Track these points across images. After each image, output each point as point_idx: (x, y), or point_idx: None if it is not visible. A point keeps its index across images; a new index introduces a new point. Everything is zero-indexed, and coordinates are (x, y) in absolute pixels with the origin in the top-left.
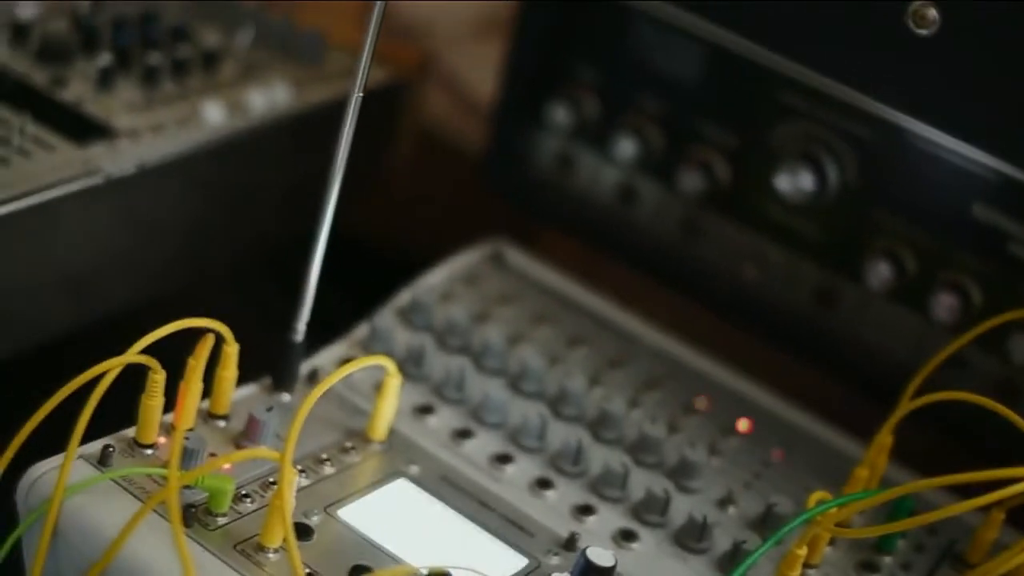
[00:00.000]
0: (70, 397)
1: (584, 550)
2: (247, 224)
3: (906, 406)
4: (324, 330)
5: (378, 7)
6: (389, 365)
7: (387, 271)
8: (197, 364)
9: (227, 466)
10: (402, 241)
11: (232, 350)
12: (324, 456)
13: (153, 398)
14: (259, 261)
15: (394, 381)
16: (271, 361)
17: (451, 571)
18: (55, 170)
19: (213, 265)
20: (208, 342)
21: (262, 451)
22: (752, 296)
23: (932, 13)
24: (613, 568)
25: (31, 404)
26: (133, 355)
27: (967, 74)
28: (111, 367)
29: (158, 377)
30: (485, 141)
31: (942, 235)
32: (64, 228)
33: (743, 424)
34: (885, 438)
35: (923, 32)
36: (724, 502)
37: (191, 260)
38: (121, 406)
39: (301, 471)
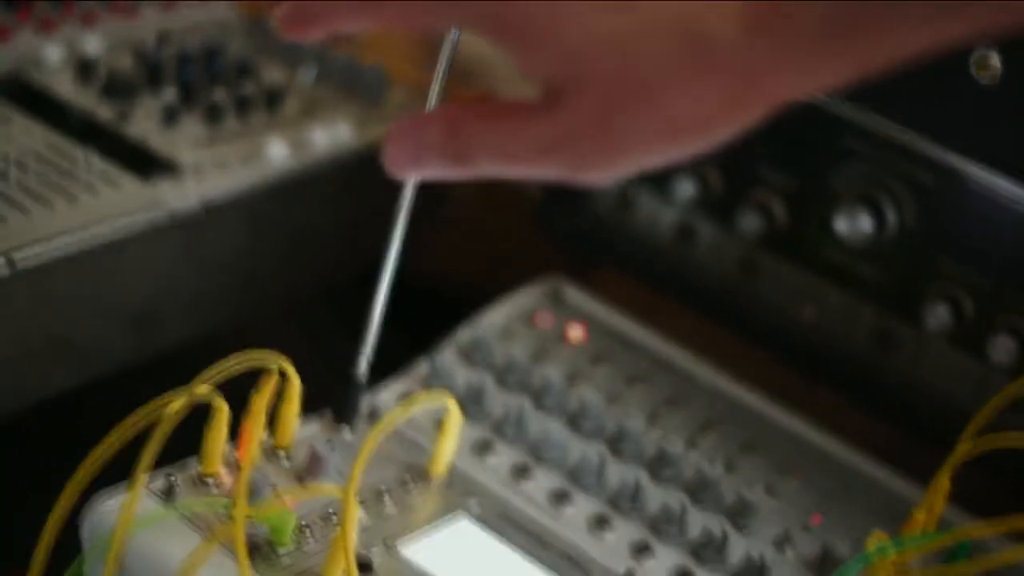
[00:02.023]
0: (130, 431)
1: None
2: (307, 262)
3: (965, 448)
4: (380, 367)
5: (451, 38)
6: (451, 403)
7: (443, 311)
8: (261, 398)
9: (290, 500)
10: (458, 281)
11: (295, 384)
12: (384, 491)
13: (217, 431)
14: (318, 299)
15: (455, 419)
16: (331, 397)
17: None
18: (120, 205)
19: (273, 302)
20: (273, 378)
21: (326, 488)
22: (810, 338)
23: (994, 61)
24: None
25: (93, 438)
26: (198, 387)
27: None
28: (176, 400)
29: (222, 410)
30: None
31: (1000, 279)
32: (128, 263)
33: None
34: (944, 480)
35: (985, 79)
36: (781, 542)
37: (252, 297)
38: (181, 440)
39: (361, 504)
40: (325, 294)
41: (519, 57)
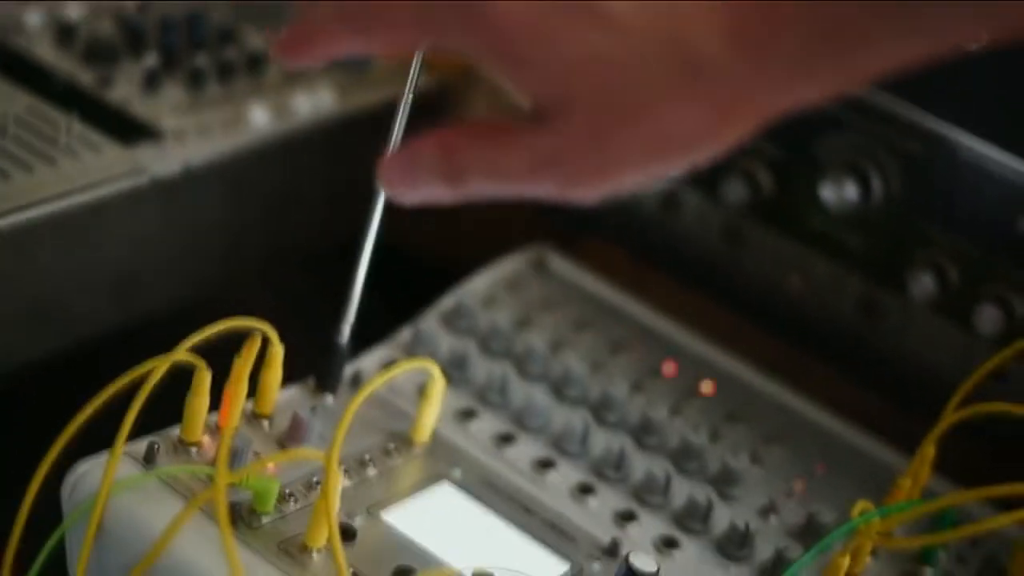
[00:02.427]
0: (113, 396)
1: (627, 555)
2: (289, 228)
3: (950, 417)
4: (364, 336)
5: (417, 56)
6: (434, 369)
7: (428, 280)
8: (244, 364)
9: (271, 466)
10: (443, 251)
11: (277, 351)
12: (367, 458)
13: (199, 397)
14: (301, 267)
15: (438, 385)
16: (313, 364)
17: (494, 573)
18: (101, 170)
19: (255, 269)
20: (255, 342)
21: (308, 452)
22: (795, 307)
23: None
24: (656, 573)
25: (76, 402)
26: (180, 353)
27: (1016, 87)
28: (158, 365)
29: (204, 376)
30: None
31: (987, 248)
32: (109, 228)
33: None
34: (928, 449)
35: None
36: (766, 511)
37: (234, 263)
38: (163, 406)
39: (344, 472)
40: (307, 262)
41: (509, 78)
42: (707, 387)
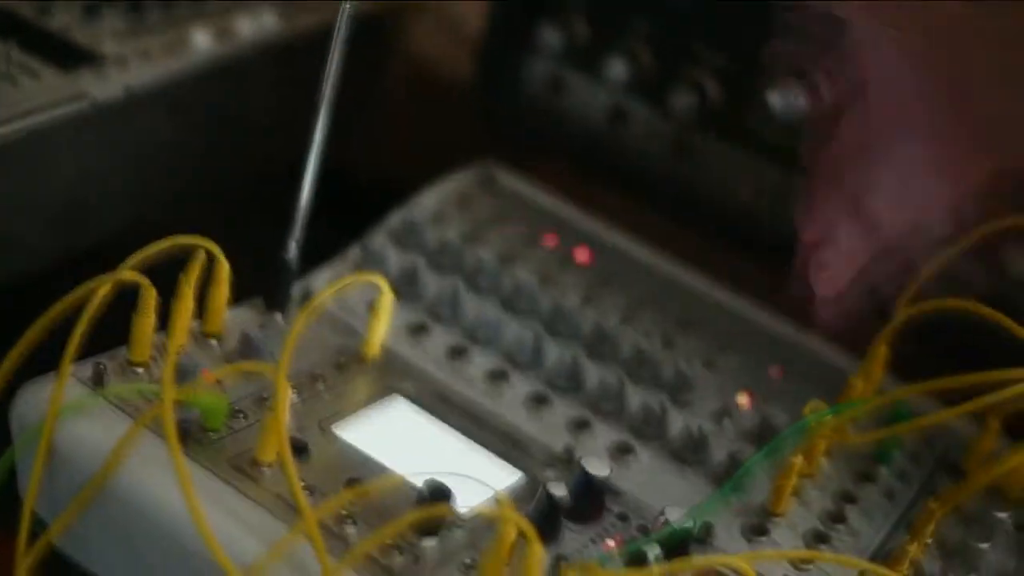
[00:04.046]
0: (62, 322)
1: (580, 460)
2: (235, 151)
3: (902, 315)
4: (313, 260)
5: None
6: (382, 283)
7: (379, 204)
8: (188, 281)
9: (220, 384)
10: (394, 175)
11: (224, 268)
12: (317, 373)
13: (145, 316)
14: (249, 190)
15: (387, 298)
16: (263, 284)
17: (447, 480)
18: (42, 96)
19: (202, 194)
20: (199, 258)
21: (255, 365)
22: (746, 216)
23: None
24: (609, 477)
25: (22, 330)
26: (124, 272)
27: None
28: (102, 284)
29: (149, 294)
30: (474, 66)
31: None
32: (52, 155)
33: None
34: (881, 348)
35: None
36: (720, 415)
37: (180, 189)
38: (112, 330)
39: (295, 388)
40: (255, 185)
41: None
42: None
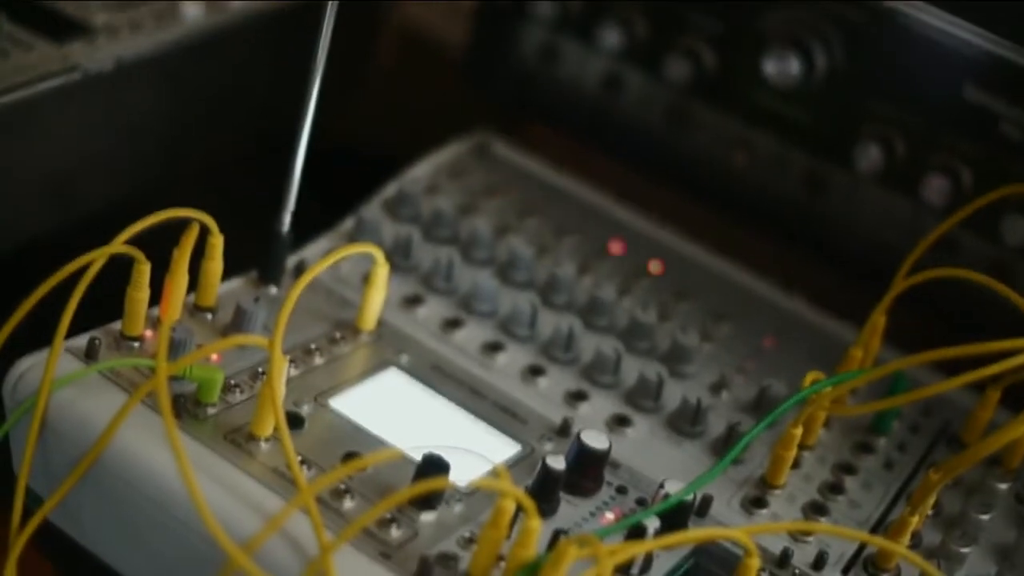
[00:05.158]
0: (56, 295)
1: (578, 433)
2: (227, 123)
3: (900, 285)
4: (307, 233)
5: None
6: (377, 253)
7: (373, 176)
8: (182, 254)
9: (215, 357)
10: (388, 146)
11: (217, 241)
12: (313, 347)
13: (138, 289)
14: (242, 162)
15: (382, 270)
16: (257, 257)
17: (444, 453)
18: (33, 68)
19: (193, 166)
20: (193, 231)
21: (250, 338)
22: (741, 184)
23: None
24: (608, 450)
25: (15, 304)
26: (118, 245)
27: None
28: (96, 258)
29: (143, 268)
30: (468, 35)
31: (932, 118)
32: (43, 126)
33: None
34: (879, 318)
35: None
36: (717, 386)
37: (172, 160)
38: (108, 304)
39: (290, 361)
40: (248, 158)
41: None
42: (655, 267)
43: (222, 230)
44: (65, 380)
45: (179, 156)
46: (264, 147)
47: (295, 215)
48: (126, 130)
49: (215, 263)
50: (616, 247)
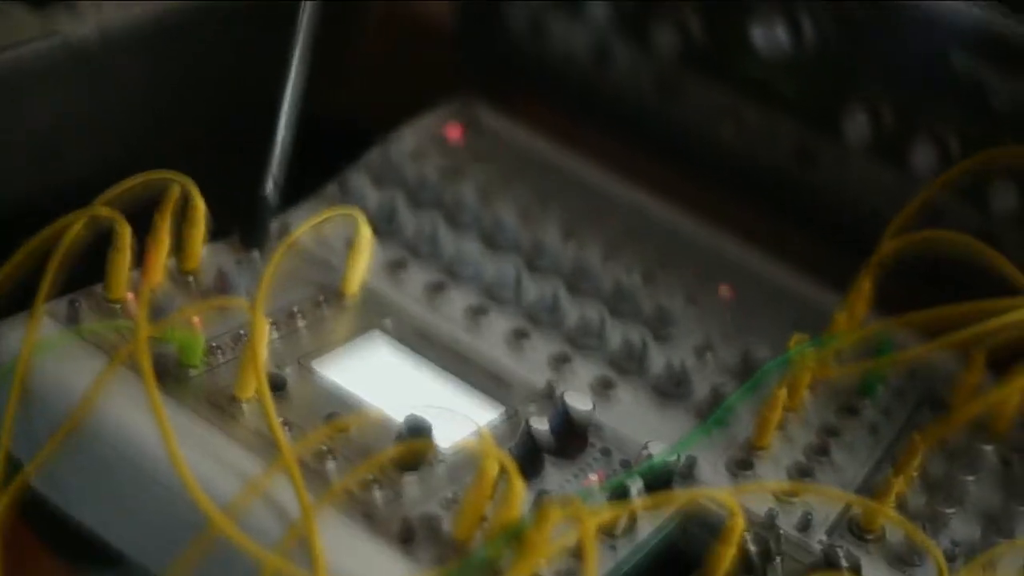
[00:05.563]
0: (38, 262)
1: (562, 395)
2: (212, 95)
3: (887, 247)
4: (292, 202)
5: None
6: (359, 216)
7: (359, 147)
8: (163, 216)
9: (197, 320)
10: (375, 119)
11: (199, 205)
12: (296, 310)
13: (120, 252)
14: (227, 132)
15: (364, 232)
16: (240, 222)
17: (429, 416)
18: (14, 34)
19: (178, 136)
20: (173, 193)
21: (231, 300)
22: (729, 154)
23: None
24: (591, 412)
25: None
26: (98, 208)
27: None
28: (76, 220)
29: (124, 230)
30: (456, 10)
31: (920, 86)
32: (23, 94)
33: (724, 291)
34: (865, 282)
35: None
36: (702, 350)
37: (155, 130)
38: (97, 273)
39: (272, 324)
40: (233, 128)
41: None
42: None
43: (207, 197)
44: (46, 344)
45: (164, 126)
46: (250, 116)
47: (281, 185)
48: (109, 98)
49: (197, 228)
50: (602, 212)
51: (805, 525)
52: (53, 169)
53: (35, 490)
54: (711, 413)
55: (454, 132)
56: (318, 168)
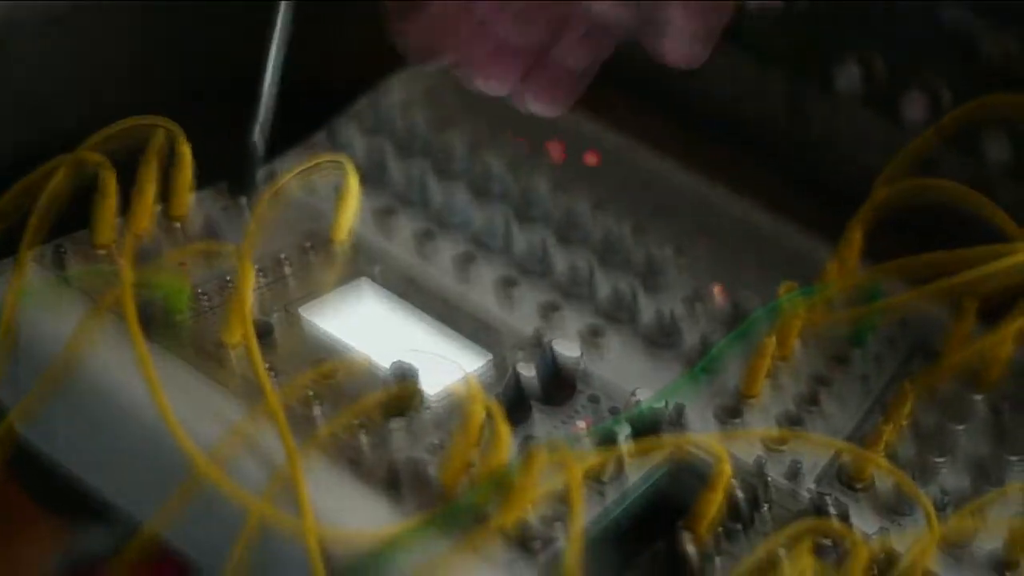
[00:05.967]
0: (24, 208)
1: (550, 341)
2: (201, 54)
3: (879, 193)
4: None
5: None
6: (347, 163)
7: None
8: (148, 161)
9: (184, 266)
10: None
11: (185, 150)
12: (283, 256)
13: (106, 197)
14: (216, 85)
15: (352, 179)
16: (229, 169)
17: (416, 362)
18: None
19: (168, 96)
20: (159, 137)
21: (219, 245)
22: (720, 106)
23: None
24: (579, 358)
25: None
26: (83, 152)
27: None
28: (61, 164)
29: (109, 174)
30: None
31: (911, 37)
32: (12, 54)
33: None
34: (856, 232)
35: None
36: (692, 300)
37: (145, 90)
38: (80, 220)
39: (259, 271)
40: (223, 81)
41: None
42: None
43: (195, 147)
44: (31, 290)
45: (153, 87)
46: (240, 68)
47: (268, 132)
48: (97, 60)
49: (184, 173)
50: (591, 162)
51: (794, 473)
52: (39, 121)
53: (21, 435)
54: (700, 361)
55: None
56: (307, 118)
